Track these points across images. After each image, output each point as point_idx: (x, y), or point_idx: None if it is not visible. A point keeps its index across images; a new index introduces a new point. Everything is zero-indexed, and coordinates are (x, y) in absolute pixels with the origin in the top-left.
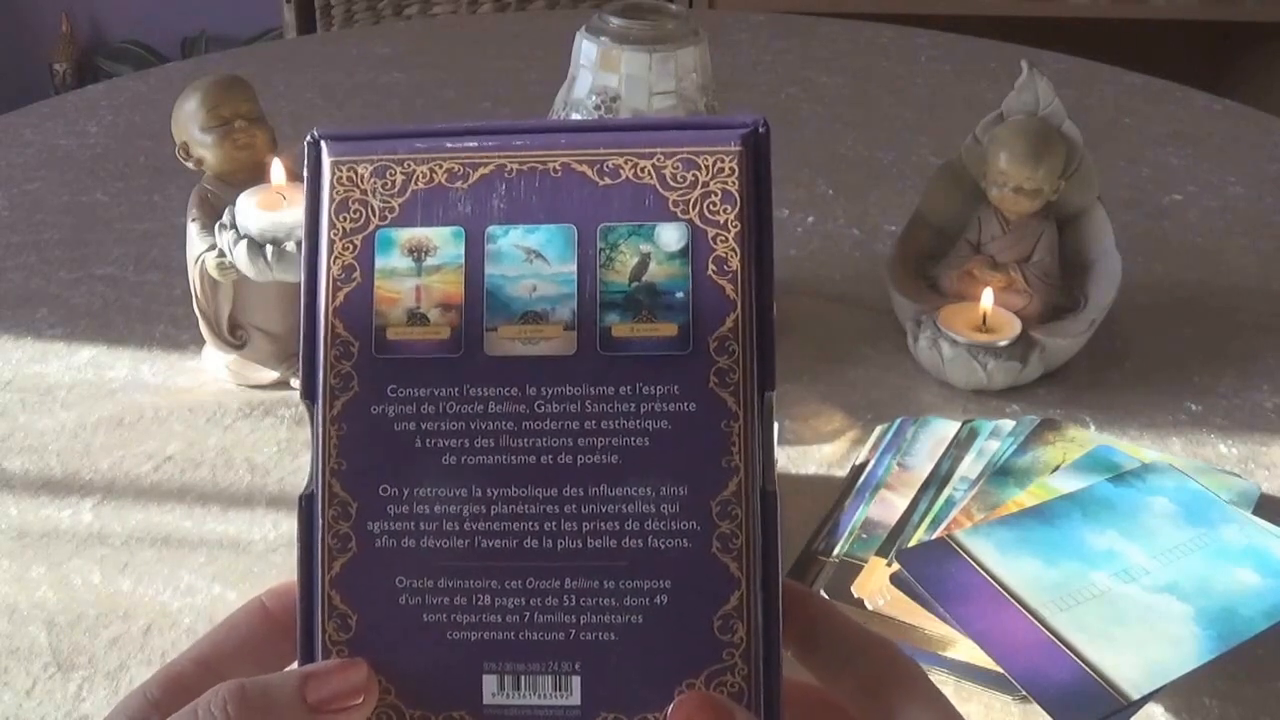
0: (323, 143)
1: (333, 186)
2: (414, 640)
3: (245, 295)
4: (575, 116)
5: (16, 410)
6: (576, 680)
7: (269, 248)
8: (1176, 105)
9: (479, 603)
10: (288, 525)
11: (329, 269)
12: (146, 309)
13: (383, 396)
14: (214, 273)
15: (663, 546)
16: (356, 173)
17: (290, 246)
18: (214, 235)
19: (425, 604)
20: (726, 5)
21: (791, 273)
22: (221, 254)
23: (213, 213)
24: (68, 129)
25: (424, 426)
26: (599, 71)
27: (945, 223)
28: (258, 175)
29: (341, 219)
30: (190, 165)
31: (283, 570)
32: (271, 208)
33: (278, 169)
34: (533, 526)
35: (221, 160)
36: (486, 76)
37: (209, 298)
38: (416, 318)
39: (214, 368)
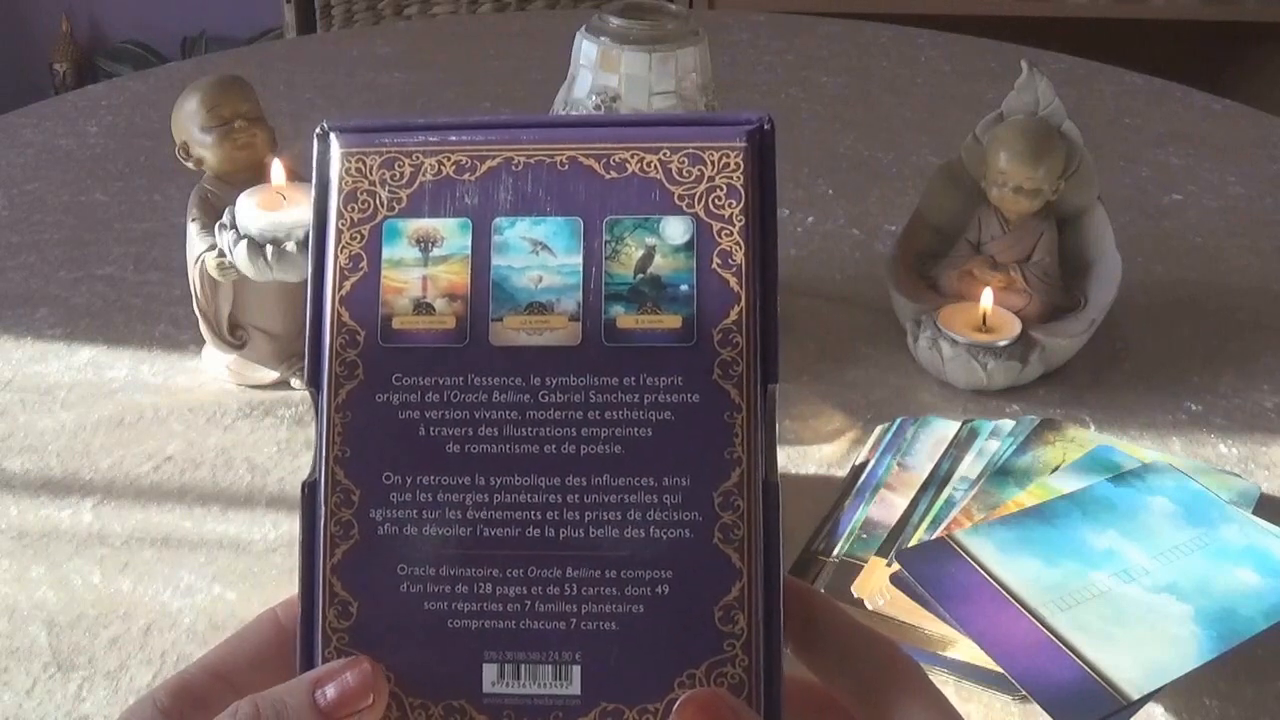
0: (332, 134)
1: (341, 177)
2: (414, 628)
3: (245, 295)
4: None
5: (16, 410)
6: (577, 670)
7: (269, 248)
8: (1176, 105)
9: (480, 591)
10: (287, 525)
11: (336, 258)
12: (146, 309)
13: (388, 385)
14: (214, 273)
15: (664, 537)
16: (365, 164)
17: (290, 246)
18: (214, 235)
19: (426, 592)
20: (726, 5)
21: (791, 273)
22: (221, 254)
23: (213, 213)
24: (68, 129)
25: (428, 415)
26: (599, 71)
27: (945, 223)
28: (258, 175)
29: (350, 209)
30: (190, 165)
31: (283, 570)
32: (271, 208)
33: (278, 169)
34: (535, 516)
35: (221, 160)
36: (486, 76)
37: (209, 298)
38: (422, 307)
39: (214, 368)
